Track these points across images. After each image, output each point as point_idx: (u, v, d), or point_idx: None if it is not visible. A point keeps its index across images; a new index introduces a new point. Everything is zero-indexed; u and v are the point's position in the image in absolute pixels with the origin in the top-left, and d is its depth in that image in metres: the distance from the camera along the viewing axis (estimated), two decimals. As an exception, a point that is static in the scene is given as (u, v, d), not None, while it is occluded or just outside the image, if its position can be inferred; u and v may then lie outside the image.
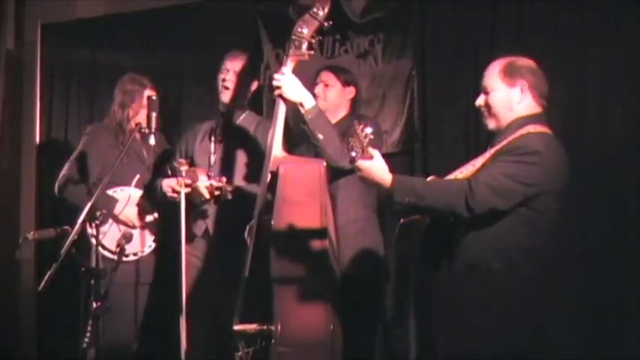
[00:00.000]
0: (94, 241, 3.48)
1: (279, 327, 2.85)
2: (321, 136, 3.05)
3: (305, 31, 3.06)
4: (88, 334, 3.26)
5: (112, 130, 3.80)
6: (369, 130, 2.45)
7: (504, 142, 2.55)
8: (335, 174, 3.10)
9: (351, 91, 3.45)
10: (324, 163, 3.03)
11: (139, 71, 4.01)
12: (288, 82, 3.08)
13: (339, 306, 2.95)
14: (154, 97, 3.34)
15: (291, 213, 2.93)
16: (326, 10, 3.05)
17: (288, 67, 3.11)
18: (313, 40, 3.09)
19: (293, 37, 3.08)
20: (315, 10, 3.06)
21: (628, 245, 3.47)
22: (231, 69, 3.63)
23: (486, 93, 2.66)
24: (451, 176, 2.65)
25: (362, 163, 2.49)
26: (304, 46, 3.07)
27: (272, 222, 2.91)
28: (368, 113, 3.84)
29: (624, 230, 3.49)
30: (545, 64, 3.58)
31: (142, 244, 3.70)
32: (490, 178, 2.46)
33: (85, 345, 3.30)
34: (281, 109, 3.14)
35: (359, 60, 4.14)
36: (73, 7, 5.01)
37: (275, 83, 3.11)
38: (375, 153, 2.50)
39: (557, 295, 3.33)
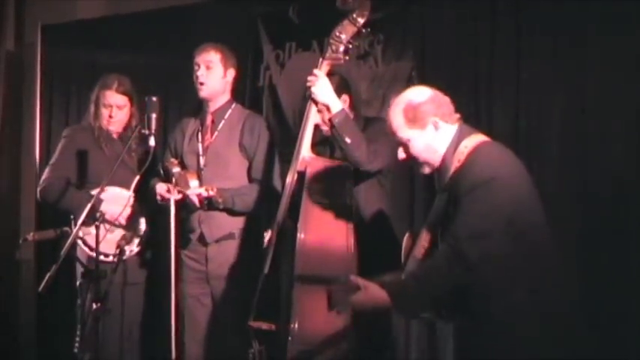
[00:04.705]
0: (80, 242, 3.49)
1: (296, 325, 2.91)
2: (348, 140, 3.05)
3: (343, 35, 3.09)
4: (77, 339, 3.29)
5: (89, 131, 3.76)
6: (342, 278, 2.49)
7: (450, 180, 2.47)
8: (359, 177, 3.13)
9: (344, 100, 3.38)
10: (351, 166, 3.08)
11: (139, 73, 4.00)
12: (319, 84, 3.09)
13: None
14: (154, 98, 3.31)
15: (316, 214, 2.98)
16: (365, 16, 3.08)
17: (322, 69, 3.12)
18: (350, 45, 3.12)
19: (330, 40, 3.10)
20: (354, 15, 3.08)
21: (630, 249, 3.46)
22: (201, 63, 3.61)
23: (402, 145, 2.56)
24: (421, 239, 2.56)
25: (359, 298, 2.44)
26: (341, 50, 3.10)
27: (298, 222, 2.96)
28: (368, 114, 3.83)
29: (625, 234, 3.48)
30: (545, 66, 3.63)
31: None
32: (468, 229, 2.36)
33: (76, 350, 3.33)
34: (312, 111, 3.15)
35: (359, 61, 4.13)
36: (73, 8, 5.02)
37: (308, 83, 3.12)
38: (362, 282, 2.45)
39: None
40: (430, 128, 2.50)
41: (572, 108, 3.60)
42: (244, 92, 4.34)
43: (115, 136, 3.78)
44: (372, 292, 2.44)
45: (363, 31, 3.12)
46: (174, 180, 3.51)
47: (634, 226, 3.44)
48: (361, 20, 3.08)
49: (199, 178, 3.58)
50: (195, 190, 3.49)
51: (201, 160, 3.63)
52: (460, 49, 3.88)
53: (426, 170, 2.57)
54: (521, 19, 3.73)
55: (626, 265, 3.44)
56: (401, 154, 2.57)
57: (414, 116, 2.50)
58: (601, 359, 3.35)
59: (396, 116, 2.53)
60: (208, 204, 3.51)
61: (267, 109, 4.35)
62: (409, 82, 3.99)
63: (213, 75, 3.61)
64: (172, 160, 3.63)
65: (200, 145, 3.65)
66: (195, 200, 3.49)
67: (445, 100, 2.55)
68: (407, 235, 2.72)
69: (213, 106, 3.68)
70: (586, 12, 3.57)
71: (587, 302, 3.43)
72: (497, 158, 2.47)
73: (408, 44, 4.03)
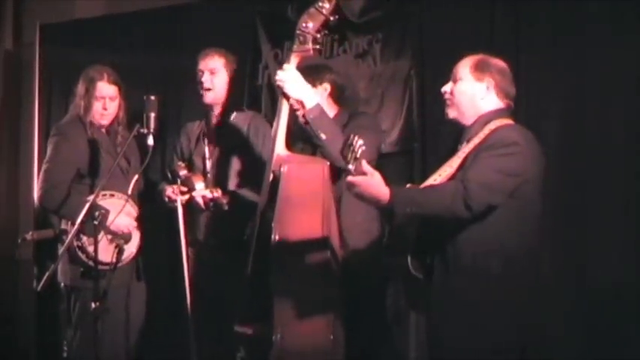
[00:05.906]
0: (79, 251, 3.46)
1: (278, 335, 2.83)
2: (324, 136, 2.97)
3: (310, 25, 2.98)
4: (65, 343, 3.27)
5: (80, 126, 3.64)
6: (361, 141, 2.38)
7: (476, 140, 2.58)
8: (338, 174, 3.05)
9: (325, 88, 3.32)
10: (328, 163, 2.98)
11: (139, 72, 3.97)
12: (290, 79, 3.00)
13: (342, 307, 2.92)
14: (153, 97, 3.29)
15: (292, 213, 2.90)
16: (332, 3, 2.98)
17: (291, 63, 3.03)
18: (318, 35, 3.01)
19: (297, 31, 3.00)
20: (320, 3, 2.98)
21: (630, 248, 3.46)
22: (205, 69, 3.59)
23: (454, 81, 2.70)
24: (430, 179, 2.62)
25: (358, 179, 2.43)
26: (309, 41, 2.99)
27: (273, 222, 2.87)
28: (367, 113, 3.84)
29: (625, 232, 3.48)
30: (544, 65, 3.63)
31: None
32: (481, 176, 2.48)
33: (65, 354, 3.30)
34: (284, 107, 3.08)
35: (357, 60, 4.13)
36: (71, 7, 5.02)
37: (277, 78, 3.04)
38: (370, 169, 2.43)
39: (553, 292, 3.36)
40: (483, 85, 2.65)
41: (572, 107, 3.60)
42: (243, 91, 4.34)
43: (103, 130, 3.71)
44: (377, 181, 2.46)
45: (331, 19, 2.99)
46: (179, 181, 3.51)
47: (634, 226, 3.44)
48: (328, 6, 2.97)
49: (206, 180, 3.58)
50: (200, 191, 3.49)
51: (208, 164, 3.64)
52: (459, 48, 3.86)
53: (452, 113, 2.70)
54: (521, 19, 3.72)
55: (625, 264, 3.44)
56: (446, 87, 2.72)
57: (480, 66, 2.68)
58: (600, 358, 3.38)
59: (470, 59, 2.72)
60: (214, 206, 3.51)
61: (265, 108, 4.35)
62: (407, 82, 4.00)
63: (219, 80, 3.61)
64: (180, 163, 3.65)
65: (207, 149, 3.65)
66: (201, 202, 3.50)
67: (509, 83, 2.70)
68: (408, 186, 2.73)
69: (217, 109, 3.68)
70: (586, 11, 3.57)
71: (586, 300, 3.47)
72: (523, 134, 2.60)
73: (406, 43, 4.02)
